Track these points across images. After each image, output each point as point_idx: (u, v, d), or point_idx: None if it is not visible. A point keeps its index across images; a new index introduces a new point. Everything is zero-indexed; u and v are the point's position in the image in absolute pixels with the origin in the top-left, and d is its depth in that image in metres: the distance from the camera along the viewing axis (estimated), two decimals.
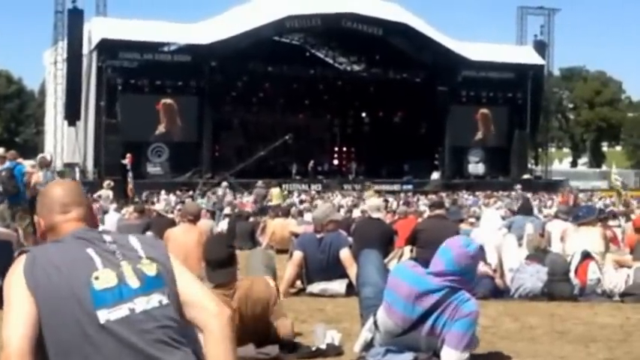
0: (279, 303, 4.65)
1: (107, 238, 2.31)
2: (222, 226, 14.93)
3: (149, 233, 8.91)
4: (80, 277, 2.17)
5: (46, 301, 2.12)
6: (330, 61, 47.49)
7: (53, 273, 2.15)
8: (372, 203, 10.49)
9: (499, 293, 7.57)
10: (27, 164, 12.59)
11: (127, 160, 31.00)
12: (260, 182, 27.45)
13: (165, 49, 36.13)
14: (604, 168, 67.89)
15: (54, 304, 2.12)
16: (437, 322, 3.63)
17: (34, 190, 11.98)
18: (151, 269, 2.25)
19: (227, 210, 18.28)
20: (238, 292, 4.44)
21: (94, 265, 2.20)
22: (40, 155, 15.19)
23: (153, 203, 22.49)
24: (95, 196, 19.30)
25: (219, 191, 26.15)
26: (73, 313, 2.12)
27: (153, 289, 2.22)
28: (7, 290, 2.17)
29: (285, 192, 28.31)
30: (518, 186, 34.66)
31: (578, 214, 9.25)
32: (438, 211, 9.65)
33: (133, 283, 2.21)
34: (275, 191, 25.26)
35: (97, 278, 2.17)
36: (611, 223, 12.50)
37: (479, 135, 43.04)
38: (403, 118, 44.90)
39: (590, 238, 8.44)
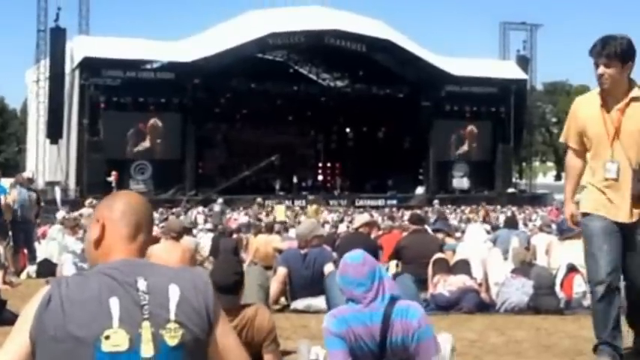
0: (277, 344, 4.54)
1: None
2: (206, 242, 14.82)
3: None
4: (90, 332, 1.94)
5: (45, 348, 1.94)
6: (314, 78, 47.65)
7: (60, 321, 1.94)
8: (361, 219, 10.43)
9: (485, 307, 7.56)
10: (6, 183, 12.43)
11: (112, 178, 30.89)
12: (259, 199, 27.54)
13: (149, 66, 36.19)
14: None
15: (53, 353, 1.93)
16: (394, 344, 3.56)
17: (9, 210, 11.81)
18: (173, 338, 1.99)
19: (208, 225, 18.14)
20: (242, 319, 4.34)
21: (110, 321, 1.95)
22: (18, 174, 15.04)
23: None
24: (77, 214, 19.16)
25: (216, 207, 25.95)
26: None
27: None
28: (17, 321, 2.01)
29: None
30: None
31: (563, 228, 9.22)
32: (418, 226, 9.61)
33: (146, 351, 1.95)
34: (279, 208, 25.25)
35: (107, 337, 1.93)
36: None
37: (463, 149, 43.26)
38: (387, 133, 45.07)
39: (575, 251, 8.40)
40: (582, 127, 4.51)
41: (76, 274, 2.20)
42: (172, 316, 2.00)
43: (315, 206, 26.21)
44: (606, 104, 4.39)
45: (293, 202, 36.71)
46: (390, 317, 3.51)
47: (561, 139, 4.76)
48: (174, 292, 2.04)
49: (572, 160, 4.73)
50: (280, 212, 24.30)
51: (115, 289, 1.99)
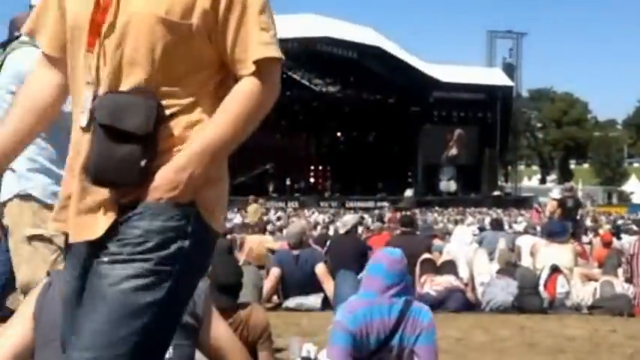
0: (271, 341, 4.66)
1: None
2: None
3: None
4: None
5: (42, 330, 2.13)
6: (306, 83, 47.61)
7: (56, 305, 2.01)
8: (345, 220, 10.57)
9: (470, 306, 7.69)
10: None
11: None
12: (260, 200, 27.66)
13: None
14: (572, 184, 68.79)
15: (47, 335, 2.10)
16: (402, 340, 3.67)
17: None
18: None
19: None
20: (237, 318, 4.45)
21: None
22: None
23: None
24: None
25: None
26: (58, 349, 1.95)
27: None
28: (24, 301, 2.20)
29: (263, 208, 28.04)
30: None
31: (553, 231, 9.35)
32: (408, 228, 9.74)
33: None
34: (251, 208, 25.03)
35: None
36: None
37: (450, 154, 43.50)
38: (377, 137, 45.20)
39: (559, 253, 8.57)
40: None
41: None
42: None
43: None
44: None
45: (286, 204, 36.98)
46: (406, 314, 3.61)
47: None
48: None
49: (35, 79, 1.97)
50: (252, 212, 23.83)
51: None
